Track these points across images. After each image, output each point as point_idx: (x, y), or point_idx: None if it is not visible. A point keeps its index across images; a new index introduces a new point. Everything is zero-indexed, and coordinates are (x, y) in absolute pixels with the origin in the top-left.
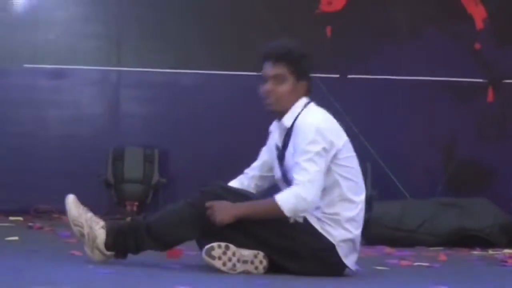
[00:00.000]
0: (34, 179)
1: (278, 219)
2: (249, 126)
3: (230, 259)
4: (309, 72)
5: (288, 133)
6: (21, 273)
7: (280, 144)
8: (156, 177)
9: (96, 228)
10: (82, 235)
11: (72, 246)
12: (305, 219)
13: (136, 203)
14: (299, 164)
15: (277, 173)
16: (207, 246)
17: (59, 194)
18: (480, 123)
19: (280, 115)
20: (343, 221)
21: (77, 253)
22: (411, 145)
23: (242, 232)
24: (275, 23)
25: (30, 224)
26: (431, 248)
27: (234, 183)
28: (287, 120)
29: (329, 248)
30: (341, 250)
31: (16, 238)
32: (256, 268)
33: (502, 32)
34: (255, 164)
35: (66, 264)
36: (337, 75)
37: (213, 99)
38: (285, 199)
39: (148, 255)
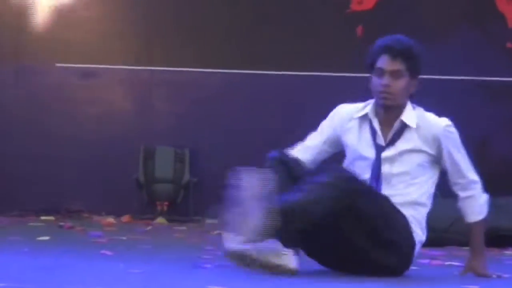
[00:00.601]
0: (65, 179)
1: (391, 210)
2: (278, 126)
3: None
4: (420, 71)
5: (401, 131)
6: (53, 273)
7: (382, 139)
8: (186, 177)
9: None
10: None
11: (102, 246)
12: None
13: (167, 203)
14: (469, 170)
15: (366, 162)
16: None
17: (90, 193)
18: None
19: (389, 109)
20: (422, 221)
21: (107, 252)
22: None
23: (353, 217)
24: (305, 22)
25: (61, 223)
26: (463, 248)
27: (300, 153)
28: (408, 119)
29: (413, 246)
30: (415, 251)
31: (47, 237)
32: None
33: None
34: (317, 140)
35: (97, 264)
36: (369, 75)
37: (243, 98)
38: (483, 210)
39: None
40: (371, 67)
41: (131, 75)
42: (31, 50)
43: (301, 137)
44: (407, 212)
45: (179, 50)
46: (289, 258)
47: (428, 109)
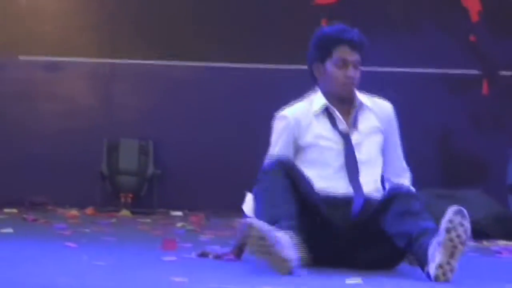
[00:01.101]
0: (29, 172)
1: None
2: (241, 118)
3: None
4: None
5: (360, 113)
6: (17, 265)
7: (346, 126)
8: (150, 169)
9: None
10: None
11: (66, 238)
12: None
13: (131, 195)
14: (403, 158)
15: (334, 151)
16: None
17: (54, 186)
18: (475, 115)
19: (347, 99)
20: None
21: (72, 245)
22: (406, 137)
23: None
24: (269, 15)
25: (24, 216)
26: None
27: None
28: (364, 100)
29: None
30: None
31: (10, 230)
32: None
33: (497, 24)
34: (290, 154)
35: (61, 256)
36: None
37: (207, 91)
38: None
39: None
40: (323, 59)
41: (94, 68)
42: None
43: (263, 130)
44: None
45: (141, 43)
46: (294, 255)
47: (391, 101)
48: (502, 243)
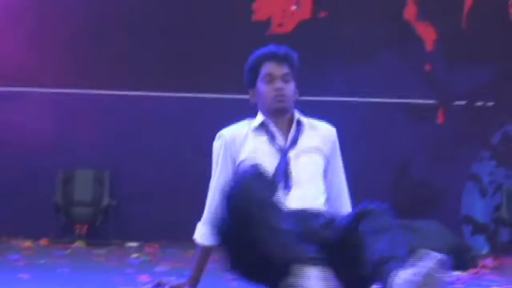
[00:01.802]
0: None
1: None
2: (200, 149)
3: None
4: (298, 76)
5: (299, 131)
6: None
7: (283, 141)
8: (106, 199)
9: None
10: None
11: (20, 269)
12: None
13: (86, 226)
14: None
15: (271, 167)
16: None
17: (8, 217)
18: (432, 144)
19: (282, 115)
20: None
21: (25, 275)
22: (363, 167)
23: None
24: (226, 44)
25: None
26: None
27: None
28: (303, 120)
29: None
30: None
31: None
32: None
33: (452, 53)
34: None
35: (14, 287)
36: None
37: (165, 121)
38: None
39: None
40: (254, 80)
41: (50, 99)
42: None
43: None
44: None
45: (98, 73)
46: None
47: (348, 131)
48: (456, 273)
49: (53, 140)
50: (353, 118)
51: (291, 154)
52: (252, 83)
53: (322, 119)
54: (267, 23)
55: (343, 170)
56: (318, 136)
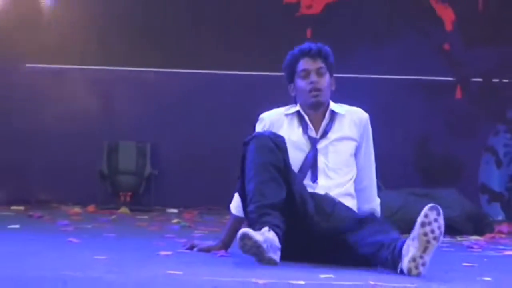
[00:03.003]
0: (35, 172)
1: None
2: (233, 121)
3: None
4: (334, 69)
5: (331, 121)
6: (23, 259)
7: (314, 132)
8: (148, 169)
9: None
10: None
11: (69, 234)
12: None
13: (130, 194)
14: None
15: (301, 154)
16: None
17: (58, 185)
18: (450, 120)
19: (318, 108)
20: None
21: (74, 240)
22: (386, 141)
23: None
24: (259, 25)
25: (30, 213)
26: (404, 235)
27: None
28: (336, 108)
29: None
30: None
31: (17, 226)
32: None
33: (469, 34)
34: None
35: (64, 251)
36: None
37: (202, 97)
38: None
39: (142, 242)
40: (292, 76)
41: (95, 75)
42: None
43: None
44: (347, 203)
45: (138, 51)
46: (278, 253)
47: (368, 108)
48: (473, 238)
49: (98, 114)
50: (377, 95)
51: (321, 145)
52: (291, 79)
53: (346, 96)
54: (296, 5)
55: (373, 154)
56: (350, 122)
